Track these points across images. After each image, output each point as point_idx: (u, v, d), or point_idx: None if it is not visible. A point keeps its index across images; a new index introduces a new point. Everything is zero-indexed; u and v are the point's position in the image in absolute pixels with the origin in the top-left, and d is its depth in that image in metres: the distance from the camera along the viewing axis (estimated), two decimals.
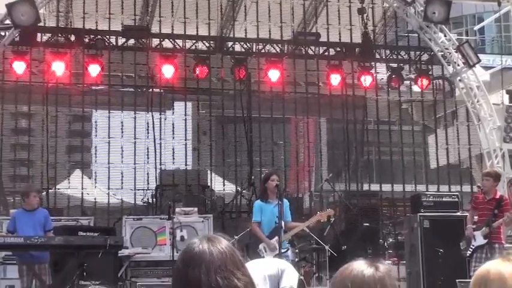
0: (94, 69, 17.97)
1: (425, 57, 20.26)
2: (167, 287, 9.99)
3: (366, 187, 20.16)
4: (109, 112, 19.61)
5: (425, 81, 19.81)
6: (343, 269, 2.89)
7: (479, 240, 12.07)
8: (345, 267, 2.91)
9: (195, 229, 14.69)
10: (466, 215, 12.94)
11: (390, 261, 16.09)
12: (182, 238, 14.40)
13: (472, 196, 14.06)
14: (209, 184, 19.15)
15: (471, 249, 12.00)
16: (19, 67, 17.44)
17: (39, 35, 18.00)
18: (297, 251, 13.45)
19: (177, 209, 15.26)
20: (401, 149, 20.51)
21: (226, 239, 2.89)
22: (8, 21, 14.08)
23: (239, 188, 18.97)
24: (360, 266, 2.83)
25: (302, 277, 11.92)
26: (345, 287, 2.78)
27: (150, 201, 18.18)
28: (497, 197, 12.21)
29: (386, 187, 19.77)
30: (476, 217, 12.40)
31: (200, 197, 17.79)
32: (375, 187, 20.22)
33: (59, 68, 17.80)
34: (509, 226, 12.41)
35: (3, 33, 14.11)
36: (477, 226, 12.47)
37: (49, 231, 12.00)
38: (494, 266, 2.97)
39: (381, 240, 17.30)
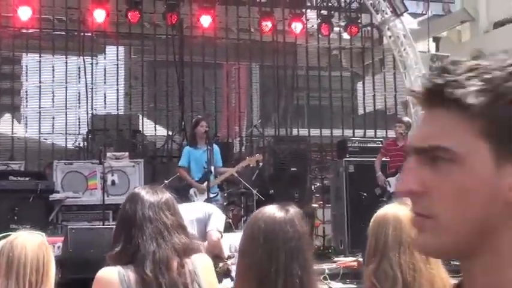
0: (25, 12, 17.72)
1: (355, 5, 20.54)
2: (98, 230, 10.20)
3: (295, 132, 20.47)
4: (40, 56, 19.45)
5: (354, 29, 20.12)
6: (257, 213, 3.18)
7: (394, 186, 12.43)
8: (258, 210, 3.20)
9: (126, 174, 14.82)
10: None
11: (316, 205, 16.59)
12: (113, 182, 14.53)
13: (383, 142, 14.52)
14: (140, 129, 19.16)
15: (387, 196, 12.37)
16: None
17: None
18: (225, 195, 13.82)
19: (108, 154, 15.25)
20: (330, 95, 20.86)
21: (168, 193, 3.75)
22: None
23: (170, 133, 19.10)
24: (272, 210, 3.12)
25: (230, 220, 12.30)
26: (259, 227, 3.06)
27: (81, 145, 18.16)
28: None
29: (315, 132, 20.08)
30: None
31: (131, 142, 17.82)
32: (304, 132, 20.48)
33: None
34: None
35: None
36: (390, 172, 12.91)
37: None
38: (392, 209, 3.33)
39: (307, 185, 17.67)
